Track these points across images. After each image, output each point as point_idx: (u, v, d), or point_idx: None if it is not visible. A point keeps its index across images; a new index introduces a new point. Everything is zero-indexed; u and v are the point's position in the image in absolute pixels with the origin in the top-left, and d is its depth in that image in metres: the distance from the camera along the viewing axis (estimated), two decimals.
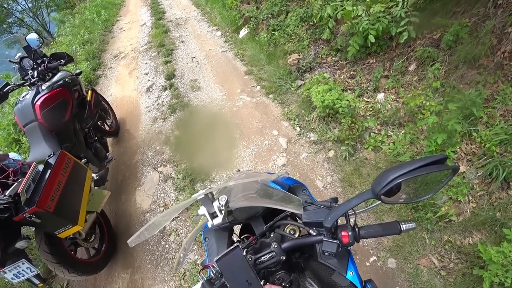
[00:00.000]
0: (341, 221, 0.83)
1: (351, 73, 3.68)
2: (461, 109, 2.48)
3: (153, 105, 4.34)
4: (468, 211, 2.25)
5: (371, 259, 2.21)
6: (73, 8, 12.35)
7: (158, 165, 3.35)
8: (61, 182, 1.85)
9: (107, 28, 8.21)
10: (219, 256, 0.77)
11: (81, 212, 1.95)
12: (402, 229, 0.79)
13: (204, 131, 3.55)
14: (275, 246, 0.85)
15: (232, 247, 0.79)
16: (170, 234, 2.66)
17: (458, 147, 2.50)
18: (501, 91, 2.49)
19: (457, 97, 2.57)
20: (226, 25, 6.14)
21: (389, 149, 2.77)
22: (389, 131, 2.93)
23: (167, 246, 2.60)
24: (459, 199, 2.26)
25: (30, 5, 14.44)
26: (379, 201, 0.82)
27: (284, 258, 0.84)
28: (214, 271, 0.79)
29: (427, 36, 3.15)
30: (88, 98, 2.88)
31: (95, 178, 2.64)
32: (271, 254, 0.84)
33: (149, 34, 6.88)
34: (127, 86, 5.00)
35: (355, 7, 3.04)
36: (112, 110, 3.82)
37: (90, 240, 2.38)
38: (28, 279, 1.92)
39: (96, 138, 2.95)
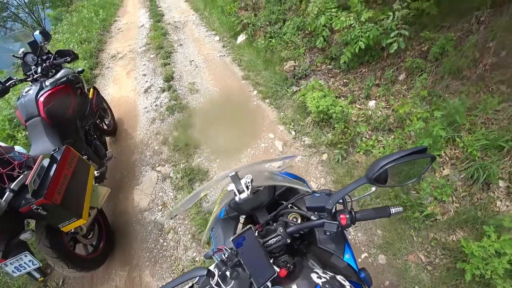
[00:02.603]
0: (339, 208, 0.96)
1: (344, 81, 3.86)
2: (446, 117, 2.67)
3: (151, 106, 4.40)
4: (452, 210, 2.42)
5: (363, 256, 2.34)
6: (69, 6, 12.30)
7: (157, 165, 3.41)
8: (67, 176, 1.91)
9: (105, 27, 8.25)
10: (235, 236, 0.87)
11: (85, 206, 2.00)
12: (391, 212, 0.93)
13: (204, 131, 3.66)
14: (281, 230, 0.95)
15: (245, 228, 0.89)
16: (169, 232, 2.72)
17: (443, 152, 2.68)
18: (483, 101, 2.69)
19: (442, 106, 2.76)
20: (224, 30, 6.27)
21: (379, 153, 2.92)
22: (379, 136, 3.09)
23: (165, 244, 2.66)
24: (443, 200, 2.44)
25: (26, 0, 14.31)
26: (373, 189, 0.98)
27: (289, 241, 0.94)
28: (227, 253, 0.88)
29: (416, 48, 3.36)
30: (90, 96, 2.94)
31: (96, 175, 2.69)
32: (277, 238, 0.94)
33: (147, 36, 6.95)
34: (124, 86, 5.05)
35: (348, 18, 3.21)
36: (110, 109, 3.87)
37: (89, 237, 2.42)
38: (28, 273, 1.93)
39: (96, 136, 3.00)
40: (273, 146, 3.34)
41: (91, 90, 3.01)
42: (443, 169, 2.68)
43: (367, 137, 3.15)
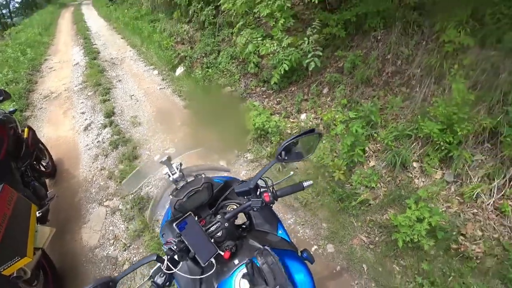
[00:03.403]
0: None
1: (277, 100, 4.32)
2: (363, 118, 3.16)
3: (93, 143, 4.28)
4: (381, 194, 2.83)
5: (313, 249, 2.56)
6: None
7: (104, 200, 3.30)
8: (6, 215, 1.82)
9: (34, 67, 7.80)
10: (177, 221, 1.02)
11: (29, 244, 1.90)
12: (304, 186, 1.20)
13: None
14: (219, 217, 1.12)
15: (186, 214, 1.05)
16: (123, 264, 2.64)
17: (366, 147, 3.13)
18: (390, 101, 3.27)
19: (360, 109, 3.26)
20: (162, 64, 6.45)
21: (314, 157, 3.27)
22: None
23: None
24: (372, 186, 2.83)
25: None
26: (291, 173, 1.26)
27: (227, 225, 1.10)
28: (175, 243, 1.02)
29: (333, 65, 3.96)
30: (25, 135, 2.83)
31: (38, 215, 2.54)
32: (217, 224, 1.10)
33: (83, 74, 6.78)
34: (62, 126, 4.84)
35: (272, 44, 3.66)
36: (47, 150, 3.68)
37: (34, 284, 2.26)
38: None
39: (34, 177, 2.86)
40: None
41: (26, 130, 2.90)
42: (369, 162, 3.12)
43: None
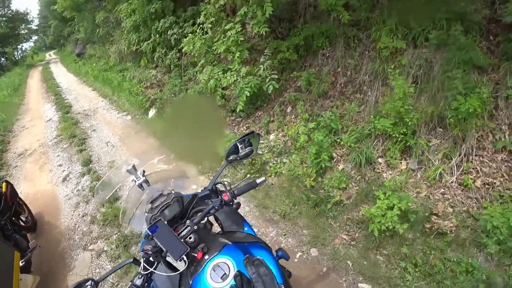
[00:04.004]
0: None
1: (246, 126, 4.61)
2: (325, 127, 3.43)
3: (72, 192, 4.27)
4: (354, 193, 3.02)
5: (298, 255, 2.64)
6: None
7: (88, 244, 3.27)
8: None
9: (6, 128, 7.69)
10: (149, 225, 1.14)
11: None
12: (257, 182, 1.38)
13: None
14: (188, 222, 1.23)
15: (156, 220, 1.17)
16: None
17: (334, 153, 3.37)
18: (347, 108, 3.59)
19: (320, 120, 3.54)
20: (135, 109, 6.65)
21: (288, 171, 3.46)
22: (283, 159, 3.69)
23: None
24: (344, 187, 3.03)
25: None
26: (248, 176, 1.53)
27: (195, 228, 1.21)
28: (150, 248, 1.12)
29: (292, 86, 4.34)
30: (3, 189, 2.85)
31: (21, 264, 2.50)
32: (188, 228, 1.20)
33: (57, 128, 6.82)
34: (39, 181, 4.79)
35: (231, 76, 4.00)
36: (26, 205, 3.65)
37: None
38: None
39: (14, 230, 2.85)
40: None
41: (4, 184, 2.92)
42: (339, 165, 3.34)
43: (274, 162, 3.72)
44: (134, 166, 1.38)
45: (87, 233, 3.44)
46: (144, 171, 1.38)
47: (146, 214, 1.32)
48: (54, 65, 20.85)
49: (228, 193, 1.30)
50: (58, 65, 20.17)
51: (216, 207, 1.24)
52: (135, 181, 1.37)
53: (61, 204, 4.09)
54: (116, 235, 3.24)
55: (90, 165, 4.85)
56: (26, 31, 31.63)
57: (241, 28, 3.99)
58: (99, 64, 11.33)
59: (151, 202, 1.34)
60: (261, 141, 4.10)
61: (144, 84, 7.10)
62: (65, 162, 5.16)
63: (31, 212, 3.70)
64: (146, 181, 1.39)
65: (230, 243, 1.20)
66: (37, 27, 34.02)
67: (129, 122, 6.30)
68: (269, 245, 1.37)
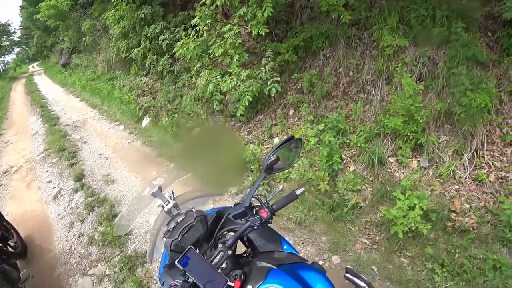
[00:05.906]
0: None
1: (247, 130, 4.44)
2: (332, 129, 3.32)
3: (65, 210, 3.99)
4: (369, 194, 2.91)
5: (320, 263, 2.50)
6: None
7: (88, 269, 3.01)
8: None
9: None
10: (179, 258, 0.95)
11: None
12: (297, 194, 1.17)
13: None
14: (221, 246, 1.07)
15: (186, 249, 0.98)
16: None
17: (343, 155, 3.26)
18: (352, 108, 3.50)
19: (327, 121, 3.43)
20: (127, 118, 6.40)
21: (297, 175, 3.33)
22: None
23: None
24: (358, 189, 2.91)
25: None
26: (281, 187, 1.29)
27: (230, 252, 1.05)
28: (180, 284, 0.96)
29: (293, 88, 4.21)
30: None
31: None
32: (221, 254, 1.04)
33: (44, 142, 6.46)
34: (27, 200, 4.47)
35: (231, 80, 3.85)
36: (13, 228, 3.36)
37: None
38: None
39: (1, 259, 2.59)
40: (207, 203, 3.42)
41: None
42: (350, 167, 3.24)
43: None
44: (160, 188, 1.15)
45: (85, 256, 3.18)
46: (173, 193, 1.15)
47: (164, 239, 1.12)
48: (38, 77, 20.15)
49: (266, 209, 1.10)
50: (43, 77, 19.53)
51: (255, 227, 1.06)
52: (163, 207, 1.14)
53: (53, 224, 3.81)
54: (119, 256, 3.01)
55: (83, 180, 4.58)
56: (7, 43, 30.39)
57: (238, 30, 3.86)
58: (86, 74, 11.01)
59: (167, 224, 1.14)
60: (266, 146, 3.96)
61: (135, 92, 6.86)
62: (55, 178, 4.86)
63: (20, 235, 3.41)
64: (176, 205, 1.17)
65: (274, 266, 1.04)
66: (19, 39, 32.76)
67: (122, 132, 6.05)
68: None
